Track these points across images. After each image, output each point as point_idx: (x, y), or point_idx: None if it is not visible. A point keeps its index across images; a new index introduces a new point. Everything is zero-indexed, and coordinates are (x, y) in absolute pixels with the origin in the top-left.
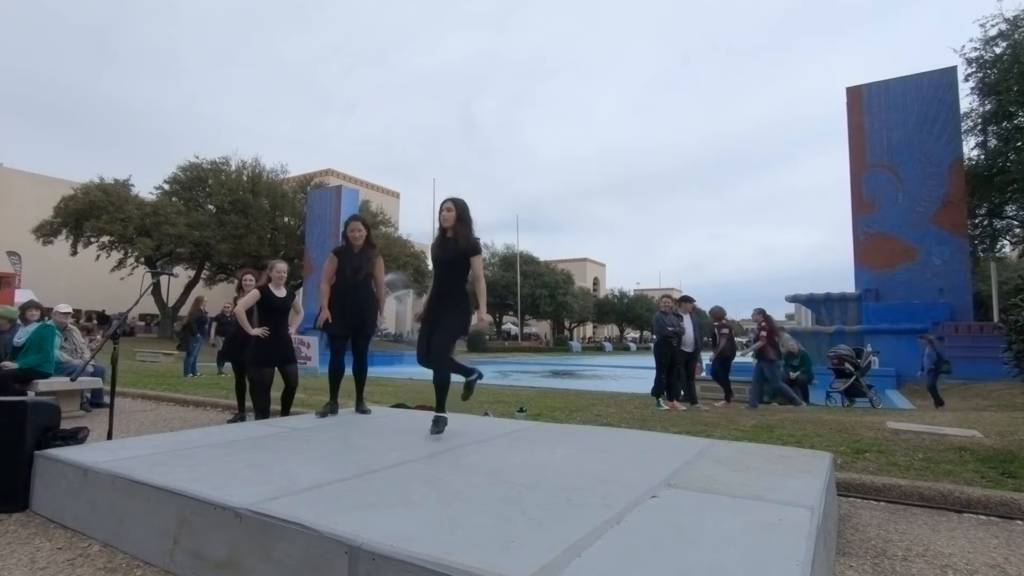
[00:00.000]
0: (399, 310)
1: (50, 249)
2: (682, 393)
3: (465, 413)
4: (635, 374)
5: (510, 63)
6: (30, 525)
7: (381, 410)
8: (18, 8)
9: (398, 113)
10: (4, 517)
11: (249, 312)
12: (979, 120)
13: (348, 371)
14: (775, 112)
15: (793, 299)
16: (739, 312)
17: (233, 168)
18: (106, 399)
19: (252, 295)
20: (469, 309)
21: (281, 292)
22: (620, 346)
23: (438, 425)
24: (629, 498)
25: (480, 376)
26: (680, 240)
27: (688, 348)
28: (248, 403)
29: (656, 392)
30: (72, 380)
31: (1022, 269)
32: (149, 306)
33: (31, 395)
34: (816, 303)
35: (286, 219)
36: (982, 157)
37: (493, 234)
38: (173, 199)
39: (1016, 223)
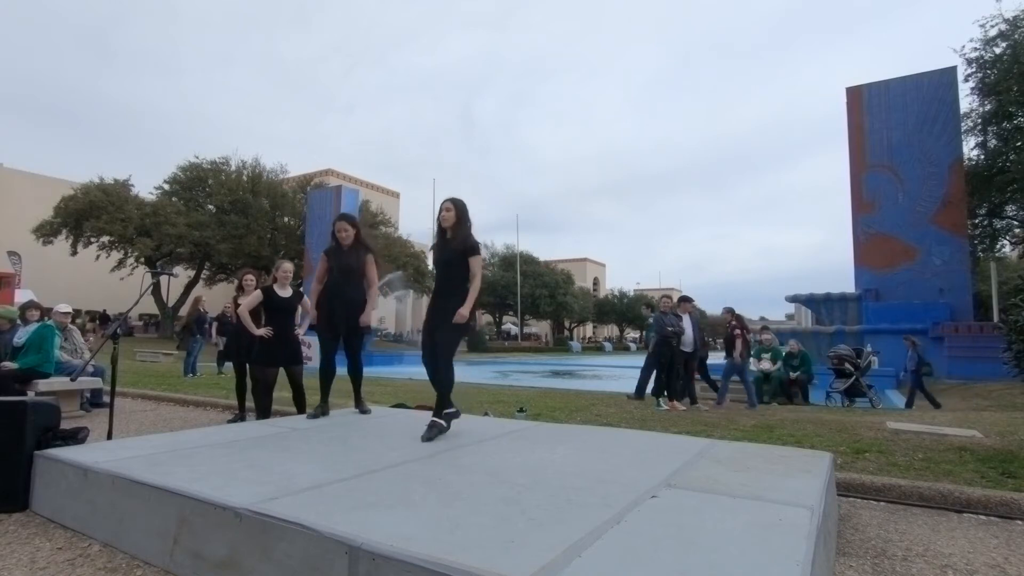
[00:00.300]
0: (399, 310)
1: (50, 249)
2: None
3: (465, 413)
4: (635, 374)
5: (510, 63)
6: (30, 525)
7: (381, 410)
8: (18, 8)
9: (398, 113)
10: (4, 517)
11: (255, 312)
12: (979, 120)
13: (344, 371)
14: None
15: (793, 299)
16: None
17: (233, 168)
18: (106, 399)
19: (255, 295)
20: (472, 311)
21: (286, 292)
22: (620, 346)
23: (432, 430)
24: (629, 498)
25: (457, 415)
26: (680, 240)
27: (687, 348)
28: (248, 403)
29: (656, 392)
30: (72, 380)
31: (1022, 269)
32: (149, 306)
33: (31, 395)
34: (816, 303)
35: (286, 219)
36: (982, 157)
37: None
38: (173, 199)
39: (1016, 223)
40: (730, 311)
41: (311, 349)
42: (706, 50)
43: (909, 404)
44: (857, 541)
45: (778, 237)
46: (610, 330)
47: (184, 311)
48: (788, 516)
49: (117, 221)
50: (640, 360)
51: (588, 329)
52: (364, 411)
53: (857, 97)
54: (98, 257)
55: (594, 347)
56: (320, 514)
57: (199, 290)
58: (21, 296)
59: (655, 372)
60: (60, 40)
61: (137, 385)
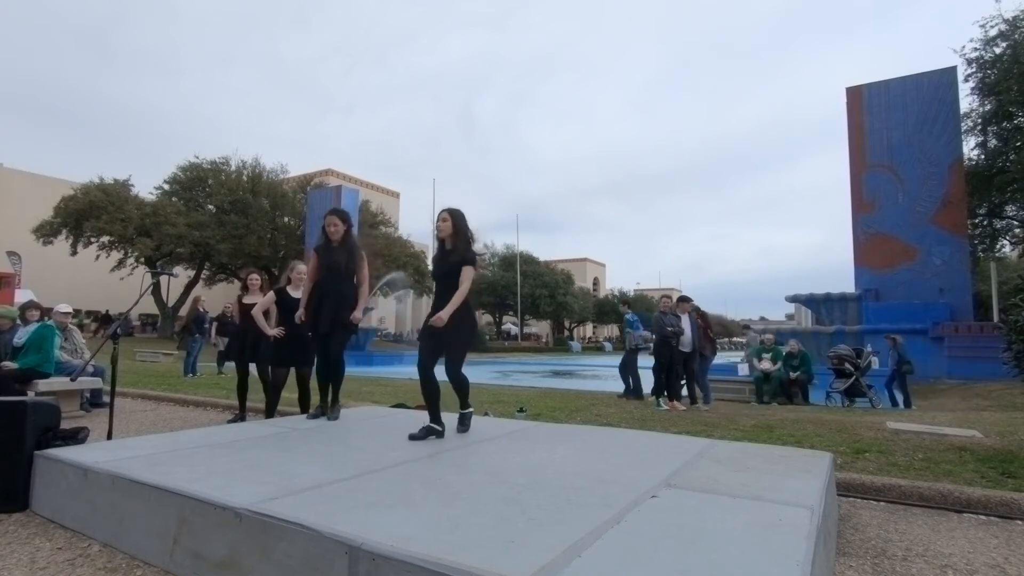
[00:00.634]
0: (399, 310)
1: (50, 249)
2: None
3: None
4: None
5: (510, 63)
6: (30, 525)
7: (381, 410)
8: (18, 8)
9: (398, 113)
10: (4, 517)
11: (266, 313)
12: (979, 120)
13: (346, 371)
14: (775, 112)
15: (793, 299)
16: (740, 312)
17: (233, 168)
18: (106, 399)
19: (268, 297)
20: (471, 317)
21: (299, 293)
22: (620, 346)
23: (464, 423)
24: (629, 498)
25: (440, 432)
26: (680, 240)
27: (686, 348)
28: (249, 403)
29: (656, 392)
30: (72, 380)
31: (1022, 269)
32: (148, 306)
33: (31, 395)
34: (816, 303)
35: (286, 219)
36: (982, 157)
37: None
38: (173, 199)
39: (1016, 223)
40: (696, 309)
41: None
42: (706, 50)
43: (907, 404)
44: (857, 541)
45: (778, 237)
46: (610, 330)
47: (184, 311)
48: (788, 516)
49: (117, 221)
50: (639, 360)
51: (588, 329)
52: (332, 417)
53: (857, 97)
54: (98, 257)
55: (594, 347)
56: (320, 514)
57: (199, 290)
58: (21, 296)
59: (655, 372)
60: (60, 40)
61: (137, 385)
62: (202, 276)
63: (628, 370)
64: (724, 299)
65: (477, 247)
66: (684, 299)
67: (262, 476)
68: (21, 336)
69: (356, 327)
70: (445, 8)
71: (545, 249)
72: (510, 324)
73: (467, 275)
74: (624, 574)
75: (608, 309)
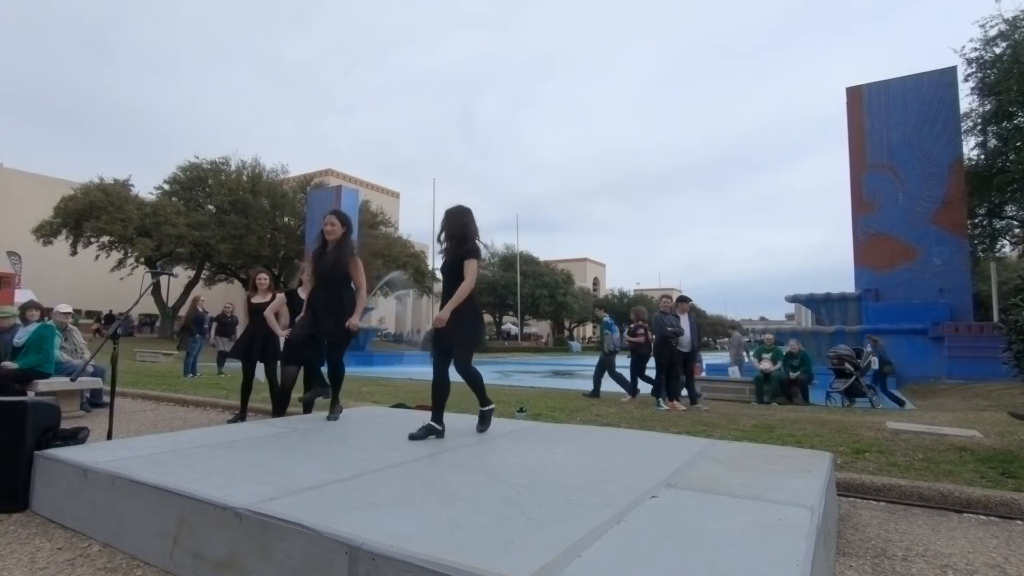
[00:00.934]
0: (399, 310)
1: (50, 249)
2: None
3: (465, 413)
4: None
5: (510, 63)
6: (30, 525)
7: (381, 410)
8: (18, 8)
9: (398, 113)
10: (4, 517)
11: (276, 314)
12: (979, 120)
13: (346, 371)
14: (775, 112)
15: (793, 299)
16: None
17: (233, 168)
18: (106, 399)
19: (280, 299)
20: (476, 312)
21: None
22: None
23: (484, 422)
24: (629, 498)
25: (440, 433)
26: (680, 240)
27: (684, 348)
28: (252, 403)
29: (656, 392)
30: (72, 380)
31: (1022, 269)
32: (148, 306)
33: (31, 395)
34: (816, 303)
35: (286, 219)
36: (982, 157)
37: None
38: (173, 199)
39: (1016, 223)
40: (639, 310)
41: None
42: (706, 50)
43: (899, 403)
44: (857, 541)
45: (778, 237)
46: None
47: (184, 311)
48: (788, 516)
49: (117, 221)
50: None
51: (588, 329)
52: (332, 418)
53: (857, 97)
54: (98, 257)
55: (594, 347)
56: (320, 514)
57: (199, 290)
58: (21, 296)
59: (656, 372)
60: (60, 40)
61: (137, 385)
62: (202, 276)
63: (609, 372)
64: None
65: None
66: (683, 299)
67: (262, 476)
68: (21, 336)
69: (355, 333)
70: (445, 8)
71: (545, 249)
72: (510, 324)
73: (468, 268)
74: (624, 574)
75: (608, 309)
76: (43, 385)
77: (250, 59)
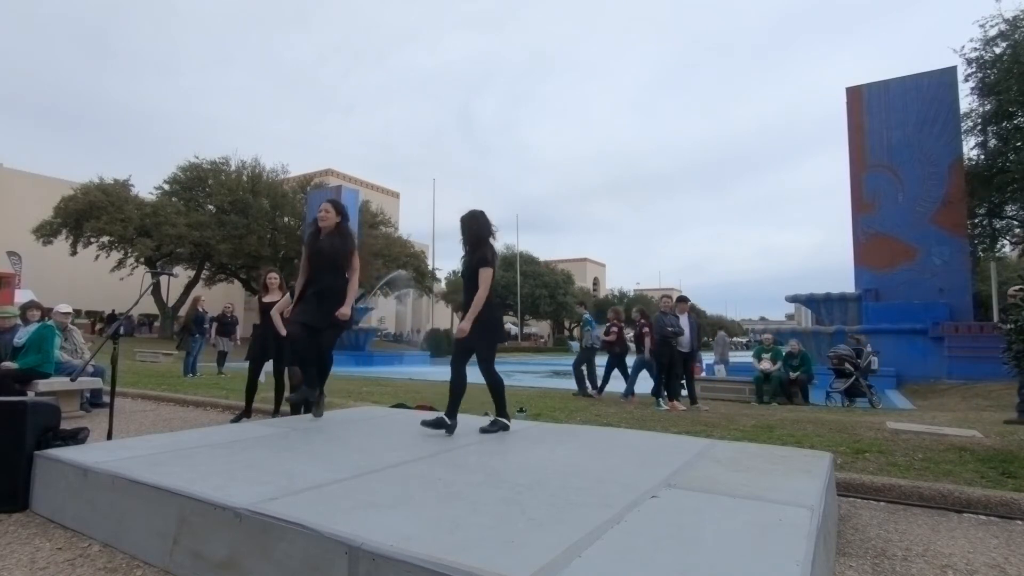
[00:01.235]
0: (399, 310)
1: (50, 249)
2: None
3: (464, 413)
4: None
5: (510, 63)
6: (30, 525)
7: (381, 410)
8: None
9: (398, 113)
10: (4, 517)
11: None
12: (979, 120)
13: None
14: (775, 112)
15: (793, 299)
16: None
17: (233, 168)
18: (106, 399)
19: (286, 299)
20: (494, 316)
21: None
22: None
23: (492, 427)
24: (629, 498)
25: (450, 428)
26: (680, 240)
27: (684, 348)
28: (257, 403)
29: (656, 392)
30: (72, 380)
31: (1022, 269)
32: (148, 306)
33: (31, 395)
34: (816, 303)
35: (286, 219)
36: (982, 157)
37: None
38: (173, 199)
39: (1016, 223)
40: (641, 311)
41: None
42: (706, 50)
43: (871, 402)
44: (857, 541)
45: (778, 237)
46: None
47: (184, 311)
48: (788, 516)
49: (117, 221)
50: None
51: None
52: (317, 414)
53: (857, 97)
54: (98, 257)
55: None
56: (320, 514)
57: (199, 290)
58: (21, 296)
59: (656, 372)
60: (60, 40)
61: (137, 385)
62: (202, 276)
63: (585, 367)
64: (724, 299)
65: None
66: (683, 299)
67: (262, 476)
68: (21, 336)
69: (348, 324)
70: (445, 8)
71: (545, 249)
72: (510, 324)
73: (483, 277)
74: (624, 574)
75: (608, 309)
76: (43, 385)
77: (250, 59)
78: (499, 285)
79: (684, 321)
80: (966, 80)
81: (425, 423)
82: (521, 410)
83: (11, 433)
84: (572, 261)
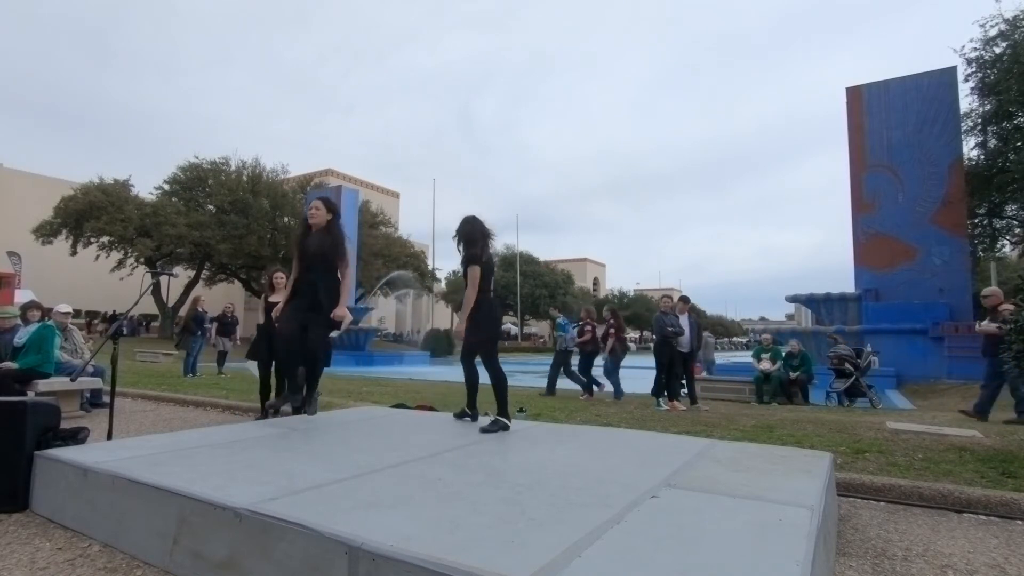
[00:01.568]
0: (399, 310)
1: (50, 249)
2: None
3: None
4: (635, 374)
5: (510, 63)
6: (30, 525)
7: (381, 410)
8: (18, 8)
9: (398, 113)
10: (4, 517)
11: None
12: (979, 120)
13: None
14: (775, 112)
15: (793, 299)
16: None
17: (233, 168)
18: (106, 399)
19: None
20: (484, 312)
21: None
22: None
23: (492, 426)
24: (629, 498)
25: (472, 417)
26: (680, 240)
27: (684, 348)
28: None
29: (656, 392)
30: (72, 380)
31: (1022, 269)
32: (148, 306)
33: (31, 395)
34: (816, 303)
35: (286, 219)
36: (982, 157)
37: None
38: (173, 199)
39: (1016, 223)
40: (612, 311)
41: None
42: (707, 50)
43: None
44: (857, 541)
45: (778, 237)
46: None
47: (184, 311)
48: (788, 516)
49: (117, 221)
50: (639, 360)
51: None
52: (310, 412)
53: (857, 97)
54: (98, 257)
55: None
56: (320, 514)
57: (199, 290)
58: (21, 296)
59: (656, 372)
60: (60, 40)
61: (137, 385)
62: (202, 276)
63: (565, 371)
64: (724, 299)
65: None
66: (683, 299)
67: (262, 476)
68: (21, 336)
69: (338, 324)
70: (445, 8)
71: (545, 249)
72: (510, 324)
73: (470, 275)
74: (624, 574)
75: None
76: (43, 385)
77: (250, 59)
78: (499, 285)
79: (684, 321)
80: (966, 80)
81: (456, 415)
82: (521, 410)
83: (11, 433)
84: (572, 261)
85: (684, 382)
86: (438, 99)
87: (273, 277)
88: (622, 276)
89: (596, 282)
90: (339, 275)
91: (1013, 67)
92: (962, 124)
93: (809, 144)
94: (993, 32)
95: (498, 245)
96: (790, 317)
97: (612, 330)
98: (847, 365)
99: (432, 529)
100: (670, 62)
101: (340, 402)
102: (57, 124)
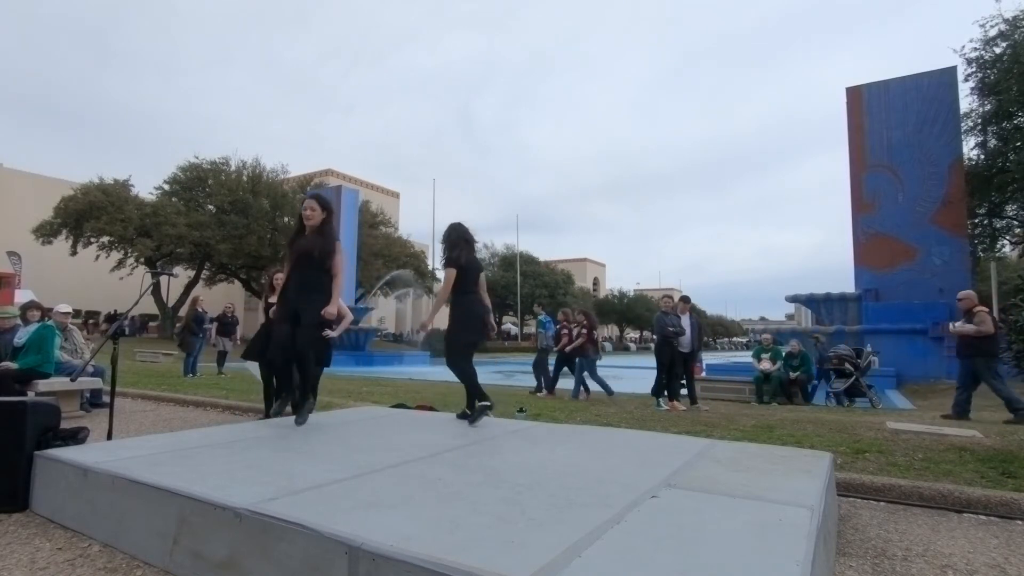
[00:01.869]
0: (399, 309)
1: (50, 249)
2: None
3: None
4: (635, 374)
5: (510, 63)
6: (30, 525)
7: (381, 410)
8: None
9: (398, 113)
10: (4, 517)
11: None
12: (979, 120)
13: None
14: (775, 112)
15: (793, 299)
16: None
17: (233, 168)
18: (106, 399)
19: (278, 301)
20: (456, 315)
21: None
22: (620, 346)
23: (477, 416)
24: (629, 498)
25: (489, 407)
26: (680, 240)
27: (684, 349)
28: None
29: (656, 392)
30: (72, 380)
31: (1022, 269)
32: (149, 306)
33: (31, 395)
34: (816, 303)
35: (286, 219)
36: (982, 157)
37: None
38: (173, 199)
39: (1016, 223)
40: (584, 312)
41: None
42: (707, 50)
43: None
44: (857, 541)
45: (778, 237)
46: (610, 330)
47: (184, 311)
48: (788, 516)
49: (117, 221)
50: (640, 360)
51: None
52: (300, 421)
53: (857, 97)
54: (98, 257)
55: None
56: (320, 514)
57: (199, 290)
58: (21, 296)
59: (657, 372)
60: (60, 40)
61: (137, 385)
62: (202, 276)
63: (540, 368)
64: (724, 299)
65: (476, 247)
66: (685, 299)
67: (262, 476)
68: (21, 336)
69: (332, 323)
70: (445, 8)
71: (545, 249)
72: (510, 324)
73: (445, 276)
74: (624, 574)
75: (608, 309)
76: (43, 385)
77: (250, 59)
78: (499, 285)
79: (685, 321)
80: (966, 80)
81: (458, 416)
82: (521, 410)
83: (11, 433)
84: (572, 261)
85: (684, 382)
86: (438, 99)
87: (273, 278)
88: (622, 276)
89: (596, 282)
90: (331, 272)
91: (1013, 67)
92: (962, 124)
93: (809, 144)
94: (993, 32)
95: (498, 245)
96: (790, 317)
97: (584, 331)
98: (847, 365)
99: (432, 529)
100: (670, 62)
101: (340, 402)
102: (57, 124)
